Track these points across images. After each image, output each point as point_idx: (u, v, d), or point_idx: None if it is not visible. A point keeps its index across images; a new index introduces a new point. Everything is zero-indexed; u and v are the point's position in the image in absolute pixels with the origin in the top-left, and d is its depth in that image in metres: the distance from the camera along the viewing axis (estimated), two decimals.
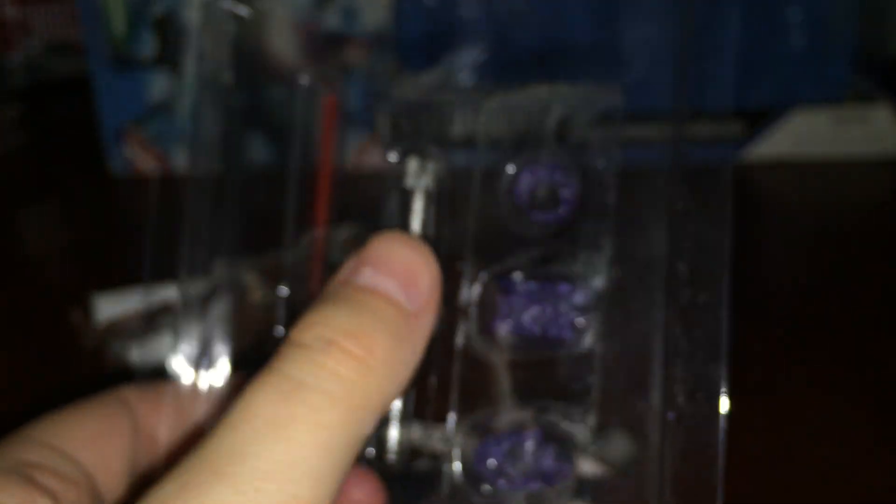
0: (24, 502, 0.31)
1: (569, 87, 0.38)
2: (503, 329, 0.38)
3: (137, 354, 0.48)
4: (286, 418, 0.27)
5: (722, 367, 0.35)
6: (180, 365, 0.39)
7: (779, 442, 0.52)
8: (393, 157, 0.39)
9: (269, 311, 0.40)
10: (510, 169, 0.38)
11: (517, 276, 0.38)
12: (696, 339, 0.35)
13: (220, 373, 0.40)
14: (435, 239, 0.39)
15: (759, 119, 0.88)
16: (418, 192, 0.39)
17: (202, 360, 0.39)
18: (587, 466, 0.39)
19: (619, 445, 0.39)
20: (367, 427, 0.29)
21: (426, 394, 0.39)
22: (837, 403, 0.55)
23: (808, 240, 0.77)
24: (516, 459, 0.39)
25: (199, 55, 0.40)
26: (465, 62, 0.39)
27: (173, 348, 0.39)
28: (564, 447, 0.38)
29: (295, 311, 0.38)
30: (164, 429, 0.37)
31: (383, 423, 0.39)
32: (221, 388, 0.39)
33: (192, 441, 0.37)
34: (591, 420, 0.38)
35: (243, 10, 0.39)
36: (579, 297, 0.38)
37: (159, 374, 0.39)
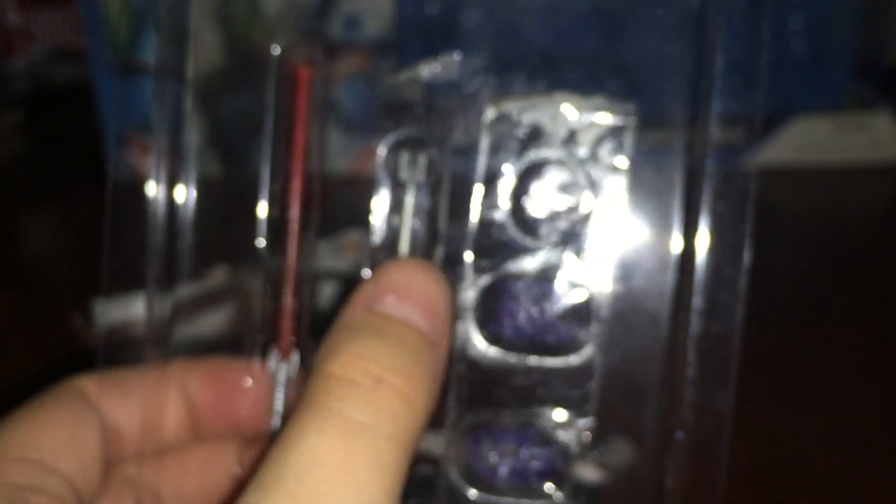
0: None
1: (581, 98, 0.38)
2: (501, 332, 0.38)
3: (101, 311, 0.47)
4: (354, 464, 0.28)
5: (730, 394, 0.35)
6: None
7: (781, 449, 0.52)
8: (383, 150, 0.39)
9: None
10: (515, 171, 0.38)
11: (517, 281, 0.38)
12: (708, 368, 0.35)
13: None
14: (430, 233, 0.39)
15: (759, 126, 0.88)
16: (410, 186, 0.39)
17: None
18: (587, 472, 0.39)
19: (620, 452, 0.39)
20: (409, 459, 0.30)
21: None
22: (839, 410, 0.55)
23: (808, 247, 0.77)
24: (512, 461, 0.39)
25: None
26: (470, 66, 0.39)
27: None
28: (560, 450, 0.38)
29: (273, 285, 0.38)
30: (130, 420, 0.36)
31: None
32: (191, 375, 0.38)
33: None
34: (589, 425, 0.38)
35: None
36: (580, 306, 0.38)
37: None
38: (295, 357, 0.38)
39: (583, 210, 0.38)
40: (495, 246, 0.38)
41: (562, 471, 0.39)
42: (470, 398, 0.39)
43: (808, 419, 0.55)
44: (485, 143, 0.38)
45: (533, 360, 0.38)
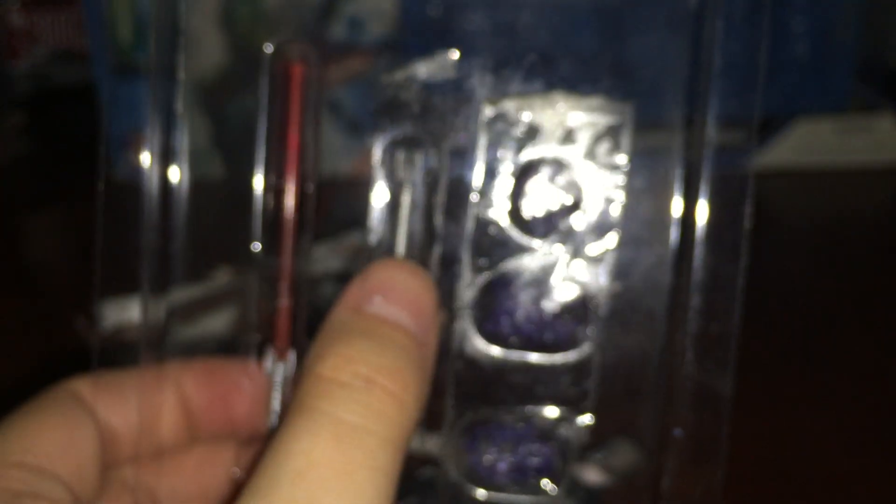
0: None
1: (578, 98, 0.38)
2: (499, 331, 0.39)
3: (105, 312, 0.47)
4: (348, 465, 0.28)
5: (729, 391, 0.35)
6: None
7: (781, 451, 0.52)
8: (379, 149, 0.39)
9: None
10: (512, 169, 0.38)
11: (514, 279, 0.38)
12: (706, 366, 0.35)
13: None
14: (427, 233, 0.39)
15: (762, 128, 0.88)
16: (406, 185, 0.39)
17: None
18: (590, 475, 0.39)
19: (623, 454, 0.39)
20: (402, 459, 0.30)
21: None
22: (840, 412, 0.55)
23: (811, 248, 0.77)
24: (511, 458, 0.39)
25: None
26: (467, 65, 0.39)
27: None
28: (559, 447, 0.38)
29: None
30: (126, 422, 0.36)
31: None
32: (187, 375, 0.38)
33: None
34: (588, 423, 0.38)
35: None
36: (578, 303, 0.38)
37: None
38: (292, 357, 0.38)
39: (580, 209, 0.38)
40: (493, 245, 0.38)
41: (560, 467, 0.39)
42: (468, 396, 0.39)
43: (809, 421, 0.55)
44: (482, 141, 0.38)
45: (531, 358, 0.38)
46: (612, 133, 0.38)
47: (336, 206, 0.41)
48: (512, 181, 0.38)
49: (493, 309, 0.38)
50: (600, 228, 0.38)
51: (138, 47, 0.75)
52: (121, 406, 0.36)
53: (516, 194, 0.38)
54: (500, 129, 0.38)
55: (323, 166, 0.41)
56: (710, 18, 0.36)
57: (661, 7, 0.38)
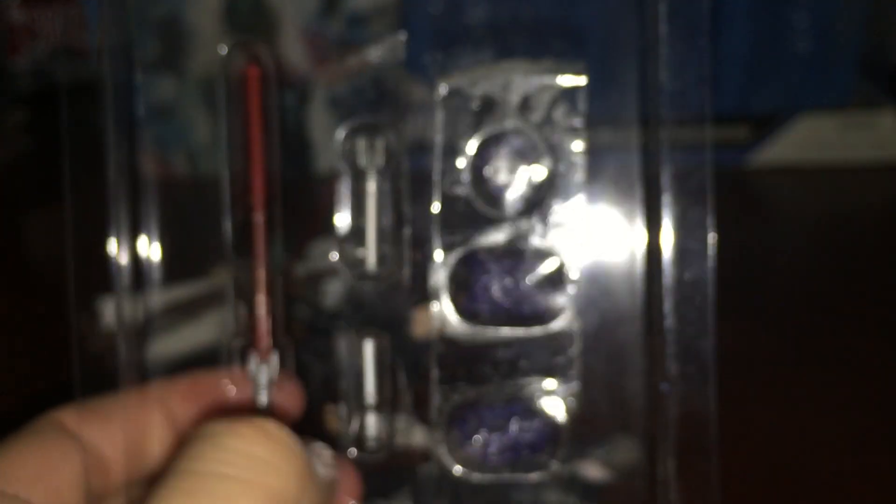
0: None
1: (529, 64, 0.38)
2: (477, 308, 0.39)
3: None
4: None
5: (711, 340, 0.35)
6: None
7: (780, 448, 0.51)
8: (340, 136, 0.39)
9: None
10: (473, 144, 0.38)
11: (487, 254, 0.38)
12: (685, 315, 0.35)
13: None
14: (396, 221, 0.39)
15: (764, 124, 0.88)
16: (370, 172, 0.39)
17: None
18: (591, 471, 0.39)
19: (625, 450, 0.39)
20: None
21: (404, 380, 0.39)
22: (841, 410, 0.55)
23: (813, 245, 0.77)
24: (502, 437, 0.39)
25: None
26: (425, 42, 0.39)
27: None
28: (549, 420, 0.38)
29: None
30: (113, 447, 0.35)
31: (361, 411, 0.39)
32: (172, 393, 0.38)
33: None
34: (575, 391, 0.38)
35: None
36: (553, 272, 0.38)
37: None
38: (274, 358, 0.38)
39: (544, 175, 0.38)
40: (461, 221, 0.38)
41: (553, 440, 0.39)
42: (452, 378, 0.39)
43: (808, 418, 0.54)
44: (439, 119, 0.38)
45: (512, 332, 0.38)
46: (567, 95, 0.38)
47: (335, 202, 0.41)
48: (473, 155, 0.38)
49: (468, 286, 0.38)
50: (566, 193, 0.38)
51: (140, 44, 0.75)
52: (107, 431, 0.35)
53: (479, 168, 0.38)
54: (457, 105, 0.38)
55: (323, 163, 0.41)
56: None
57: None
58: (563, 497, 0.39)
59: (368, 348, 0.39)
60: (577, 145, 0.38)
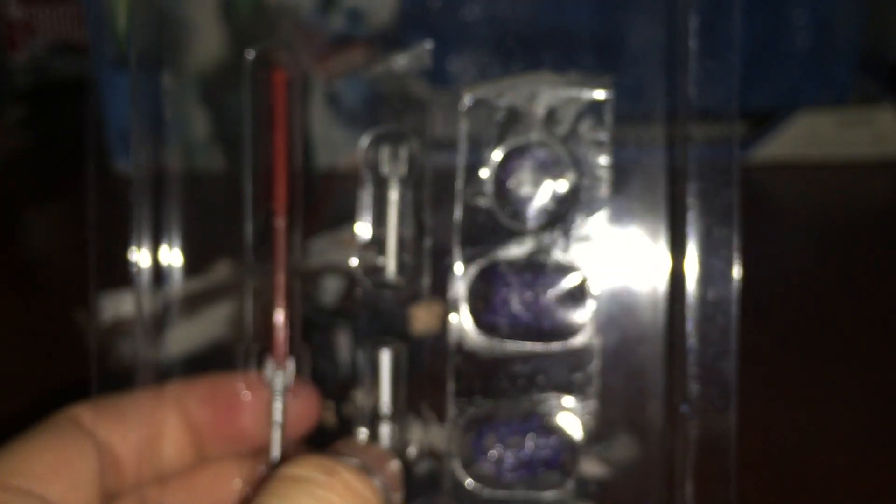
0: None
1: (556, 76, 0.38)
2: (496, 321, 0.38)
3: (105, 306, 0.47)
4: None
5: (733, 361, 0.35)
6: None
7: (781, 443, 0.52)
8: (364, 143, 0.39)
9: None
10: (497, 156, 0.38)
11: (508, 267, 0.38)
12: (708, 336, 0.35)
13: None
14: (417, 226, 0.39)
15: (763, 120, 0.88)
16: (393, 180, 0.39)
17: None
18: (591, 467, 0.39)
19: (623, 446, 0.39)
20: None
21: (422, 389, 0.39)
22: (843, 405, 0.55)
23: (812, 242, 0.77)
24: (517, 453, 0.38)
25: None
26: (454, 52, 0.39)
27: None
28: (566, 438, 0.38)
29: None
30: (128, 445, 0.36)
31: (375, 421, 0.39)
32: (188, 395, 0.38)
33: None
34: (593, 409, 0.38)
35: None
36: (574, 287, 0.38)
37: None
38: (290, 365, 0.38)
39: (567, 189, 0.38)
40: (483, 233, 0.38)
41: (568, 458, 0.38)
42: (469, 391, 0.38)
43: (809, 414, 0.54)
44: (464, 130, 0.38)
45: (530, 347, 0.38)
46: (594, 108, 0.37)
47: (334, 198, 0.41)
48: (497, 167, 0.38)
49: (488, 299, 0.38)
50: (589, 207, 0.38)
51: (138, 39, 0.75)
52: (122, 429, 0.35)
53: (502, 180, 0.38)
54: (481, 116, 0.38)
55: (321, 159, 0.40)
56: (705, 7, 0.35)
57: None
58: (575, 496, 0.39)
59: (385, 358, 0.39)
60: (603, 159, 0.37)
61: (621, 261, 0.38)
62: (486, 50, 0.39)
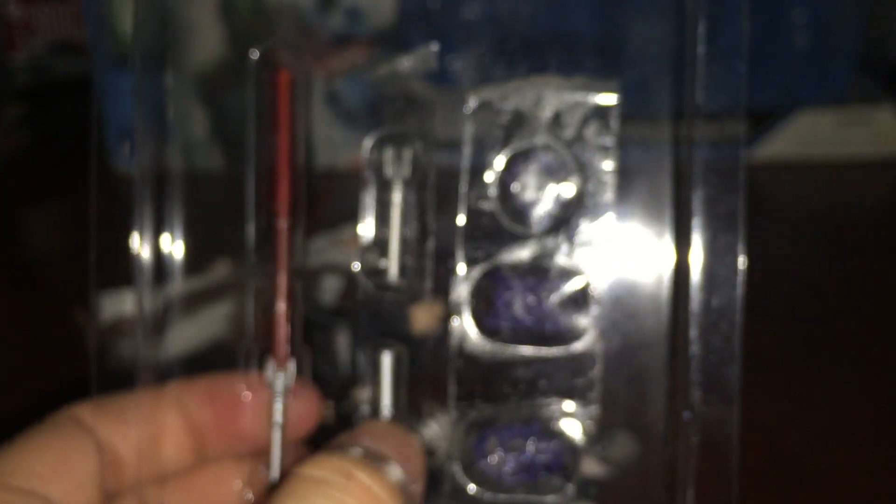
0: None
1: (561, 80, 0.38)
2: (498, 325, 0.38)
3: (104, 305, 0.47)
4: None
5: (736, 368, 0.35)
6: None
7: (782, 443, 0.52)
8: (368, 145, 0.39)
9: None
10: (501, 159, 0.38)
11: (511, 271, 0.38)
12: (711, 342, 0.35)
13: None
14: (420, 228, 0.39)
15: (762, 120, 0.88)
16: (397, 182, 0.39)
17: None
18: (589, 466, 0.39)
19: (622, 445, 0.39)
20: None
21: (422, 392, 0.39)
22: (843, 405, 0.55)
23: (811, 241, 0.77)
24: (518, 457, 0.38)
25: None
26: (459, 54, 0.39)
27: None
28: (567, 442, 0.38)
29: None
30: (128, 445, 0.36)
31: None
32: (189, 395, 0.38)
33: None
34: (594, 414, 0.38)
35: None
36: (577, 292, 0.38)
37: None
38: (291, 366, 0.38)
39: (572, 193, 0.38)
40: (486, 236, 0.38)
41: (569, 463, 0.38)
42: (471, 395, 0.38)
43: (808, 413, 0.54)
44: (468, 133, 0.38)
45: (533, 351, 0.38)
46: (599, 113, 0.37)
47: (334, 198, 0.41)
48: (501, 170, 0.38)
49: (491, 303, 0.38)
50: (594, 212, 0.38)
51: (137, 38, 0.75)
52: (123, 429, 0.35)
53: (507, 183, 0.38)
54: (486, 119, 0.38)
55: (320, 158, 0.40)
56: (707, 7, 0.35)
57: None
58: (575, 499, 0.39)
59: (386, 360, 0.39)
60: (608, 164, 0.37)
61: (625, 266, 0.38)
62: (486, 48, 0.39)
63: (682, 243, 0.36)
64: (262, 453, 0.37)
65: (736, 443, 0.35)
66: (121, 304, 0.45)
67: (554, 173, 0.38)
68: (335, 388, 0.40)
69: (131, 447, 0.35)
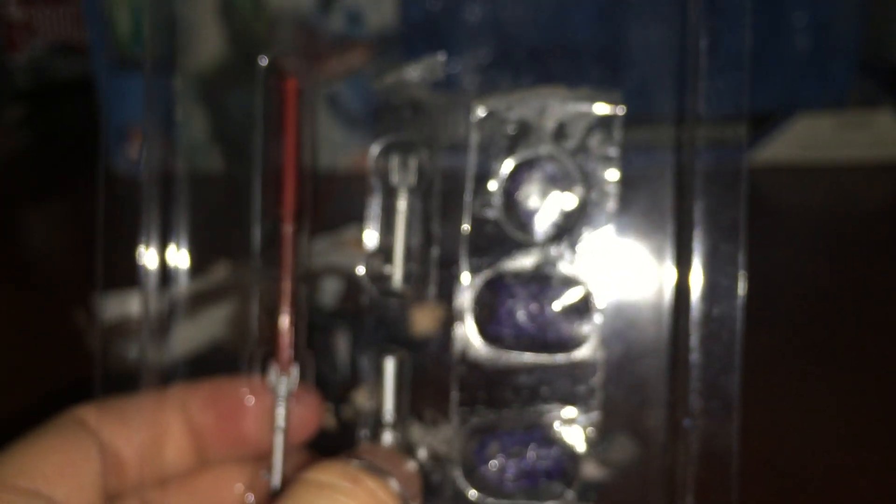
0: None
1: (566, 90, 0.38)
2: (501, 332, 0.38)
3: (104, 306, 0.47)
4: None
5: (736, 377, 0.35)
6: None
7: (781, 446, 0.52)
8: (375, 152, 0.39)
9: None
10: (506, 168, 0.38)
11: (514, 279, 0.38)
12: (712, 351, 0.35)
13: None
14: (424, 235, 0.39)
15: (763, 122, 0.88)
16: (402, 189, 0.39)
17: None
18: (590, 470, 0.39)
19: (622, 448, 0.39)
20: None
21: (425, 397, 0.39)
22: (842, 407, 0.55)
23: (810, 243, 0.77)
24: (519, 463, 0.38)
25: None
26: (463, 63, 0.39)
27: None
28: (567, 448, 0.38)
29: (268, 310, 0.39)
30: (131, 447, 0.36)
31: (378, 428, 0.39)
32: (192, 398, 0.38)
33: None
34: (595, 421, 0.38)
35: None
36: (579, 300, 0.38)
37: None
38: (294, 370, 0.38)
39: (575, 203, 0.38)
40: (490, 244, 0.38)
41: (570, 469, 0.39)
42: (473, 401, 0.38)
43: (809, 416, 0.54)
44: (474, 141, 0.38)
45: (534, 358, 0.38)
46: (603, 123, 0.37)
47: (335, 200, 0.41)
48: (506, 179, 0.38)
49: (493, 310, 0.38)
50: (597, 222, 0.38)
51: (137, 40, 0.75)
52: (126, 432, 0.36)
53: (511, 192, 0.38)
54: (492, 128, 0.38)
55: (321, 160, 0.40)
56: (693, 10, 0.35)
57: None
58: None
59: (389, 366, 0.39)
60: (611, 174, 0.37)
61: (627, 275, 0.38)
62: (488, 53, 0.39)
63: (684, 253, 0.36)
64: (264, 457, 0.37)
65: (736, 450, 0.35)
66: (124, 306, 0.45)
67: (558, 183, 0.38)
68: (335, 390, 0.40)
69: (134, 450, 0.36)
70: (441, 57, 0.39)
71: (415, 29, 0.44)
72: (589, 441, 0.38)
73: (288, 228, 0.38)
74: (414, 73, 0.39)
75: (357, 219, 0.40)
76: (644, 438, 0.38)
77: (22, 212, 0.86)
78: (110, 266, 0.37)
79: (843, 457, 0.51)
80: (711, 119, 0.35)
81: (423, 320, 0.40)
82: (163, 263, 0.39)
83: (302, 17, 0.46)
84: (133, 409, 0.36)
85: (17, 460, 0.32)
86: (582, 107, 0.37)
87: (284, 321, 0.38)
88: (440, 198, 0.39)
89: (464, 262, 0.38)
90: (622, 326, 0.38)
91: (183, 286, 0.40)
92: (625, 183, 0.37)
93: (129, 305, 0.41)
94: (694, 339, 0.35)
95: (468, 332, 0.38)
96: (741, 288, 0.35)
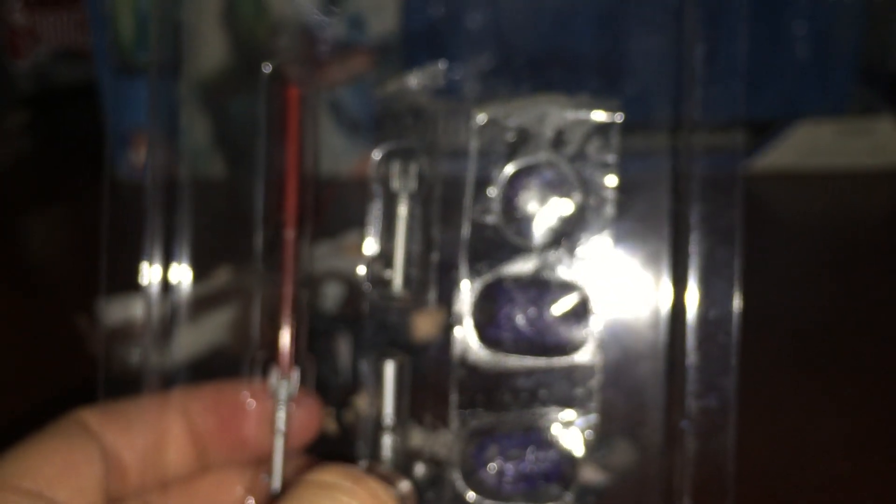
0: None
1: (565, 98, 0.38)
2: (500, 335, 0.39)
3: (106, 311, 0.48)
4: None
5: (733, 380, 0.35)
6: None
7: (782, 453, 0.52)
8: (376, 158, 0.39)
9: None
10: (505, 174, 0.38)
11: (513, 283, 0.38)
12: (708, 354, 0.35)
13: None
14: (425, 241, 0.39)
15: (763, 130, 0.88)
16: (403, 195, 0.39)
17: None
18: (589, 474, 0.39)
19: (621, 452, 0.39)
20: None
21: (425, 400, 0.39)
22: (843, 415, 0.55)
23: (811, 251, 0.77)
24: (518, 465, 0.39)
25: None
26: (464, 70, 0.39)
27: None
28: (566, 451, 0.38)
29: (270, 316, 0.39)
30: (133, 450, 0.36)
31: (378, 429, 0.39)
32: (193, 402, 0.38)
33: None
34: (593, 423, 0.38)
35: None
36: (577, 304, 0.38)
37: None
38: (295, 374, 0.38)
39: (574, 209, 0.38)
40: (489, 249, 0.39)
41: (568, 472, 0.39)
42: (472, 404, 0.39)
43: (809, 424, 0.55)
44: (474, 148, 0.38)
45: (533, 362, 0.38)
46: (601, 131, 0.38)
47: (336, 205, 0.41)
48: (505, 185, 0.38)
49: (492, 314, 0.39)
50: (595, 227, 0.38)
51: (141, 47, 0.75)
52: (128, 435, 0.36)
53: (510, 198, 0.38)
54: (491, 135, 0.38)
55: (323, 166, 0.41)
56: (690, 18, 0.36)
57: (647, 7, 0.38)
58: None
59: (389, 370, 0.39)
60: (609, 180, 0.38)
61: (624, 279, 0.38)
62: (488, 60, 0.39)
63: (680, 258, 0.36)
64: (264, 461, 0.38)
65: (732, 452, 0.35)
66: (127, 310, 0.45)
67: (556, 189, 0.38)
68: (335, 394, 0.40)
69: (136, 453, 0.36)
70: (442, 64, 0.39)
71: (416, 37, 0.45)
72: (587, 444, 0.38)
73: (290, 233, 0.38)
74: (415, 80, 0.39)
75: (358, 224, 0.40)
76: (641, 441, 0.38)
77: (25, 217, 0.86)
78: (113, 271, 0.37)
79: (840, 462, 0.51)
80: (708, 126, 0.36)
81: (424, 325, 0.40)
82: (165, 268, 0.39)
83: (304, 23, 0.46)
84: (135, 413, 0.36)
85: (20, 462, 0.33)
86: (580, 114, 0.38)
87: (286, 325, 0.38)
88: (440, 203, 0.39)
89: (463, 266, 0.39)
90: (620, 330, 0.38)
91: (185, 291, 0.40)
92: (621, 185, 0.38)
93: (132, 310, 0.42)
94: (690, 342, 0.35)
95: (467, 336, 0.39)
96: (737, 290, 0.35)
